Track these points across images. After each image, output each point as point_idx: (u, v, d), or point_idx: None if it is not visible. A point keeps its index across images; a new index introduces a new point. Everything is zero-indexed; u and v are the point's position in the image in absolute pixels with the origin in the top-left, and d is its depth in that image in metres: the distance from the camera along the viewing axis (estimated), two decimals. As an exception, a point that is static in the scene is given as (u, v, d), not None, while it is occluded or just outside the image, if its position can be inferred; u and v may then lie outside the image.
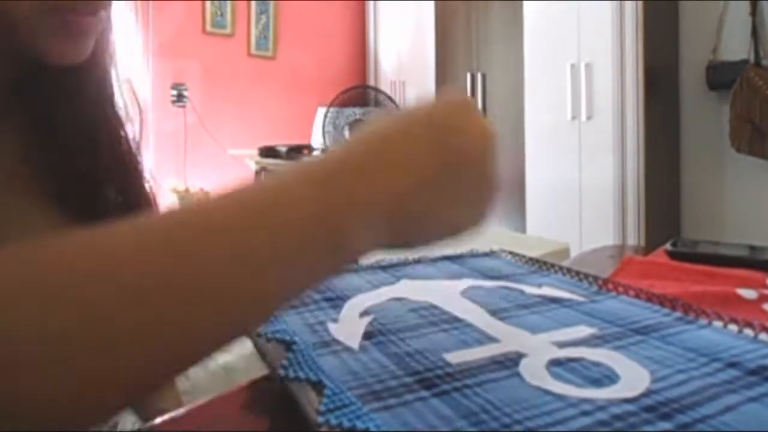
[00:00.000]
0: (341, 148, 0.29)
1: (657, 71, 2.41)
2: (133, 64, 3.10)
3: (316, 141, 3.42)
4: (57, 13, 0.34)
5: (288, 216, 0.24)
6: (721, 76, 2.32)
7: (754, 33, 2.25)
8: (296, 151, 2.36)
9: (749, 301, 0.45)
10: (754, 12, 2.25)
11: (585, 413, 0.22)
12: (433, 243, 0.30)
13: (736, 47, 2.31)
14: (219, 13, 3.44)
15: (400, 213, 0.27)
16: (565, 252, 1.99)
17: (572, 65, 2.54)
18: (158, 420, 0.33)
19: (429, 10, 3.43)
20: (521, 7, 2.77)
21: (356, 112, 3.49)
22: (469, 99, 0.33)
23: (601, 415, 0.22)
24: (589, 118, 2.51)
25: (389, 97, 3.62)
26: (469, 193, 0.30)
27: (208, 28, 3.42)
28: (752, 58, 2.24)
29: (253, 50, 3.60)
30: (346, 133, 3.40)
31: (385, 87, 3.79)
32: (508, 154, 3.05)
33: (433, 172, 0.28)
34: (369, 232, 0.26)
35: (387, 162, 0.28)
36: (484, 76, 3.18)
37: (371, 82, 3.93)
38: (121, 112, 0.47)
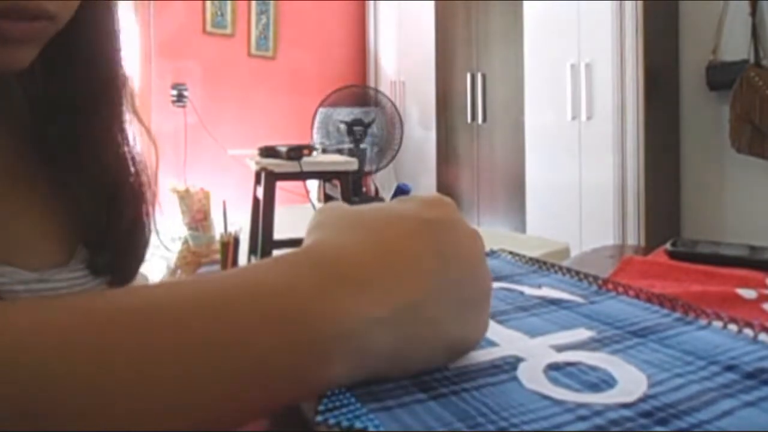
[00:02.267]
0: (327, 244, 0.26)
1: (657, 71, 2.41)
2: (133, 64, 3.10)
3: (316, 141, 3.42)
4: None
5: (256, 342, 0.21)
6: (721, 77, 2.32)
7: (754, 33, 2.25)
8: (296, 150, 2.36)
9: (749, 301, 0.45)
10: (754, 12, 2.25)
11: (582, 418, 0.22)
12: (435, 363, 0.26)
13: (736, 47, 2.31)
14: (219, 13, 3.44)
15: (405, 327, 0.24)
16: (565, 252, 2.00)
17: (572, 65, 2.54)
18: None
19: (429, 10, 3.43)
20: (521, 7, 2.77)
21: (355, 111, 3.50)
22: (450, 200, 0.30)
23: (598, 421, 0.22)
24: (589, 118, 2.51)
25: (386, 96, 3.62)
26: (471, 299, 0.27)
27: (208, 28, 3.43)
28: (752, 59, 2.25)
29: (253, 50, 3.61)
30: (345, 133, 3.40)
31: (385, 87, 3.79)
32: (508, 154, 3.05)
33: (438, 278, 0.26)
34: (366, 357, 0.24)
35: (390, 266, 0.25)
36: (484, 76, 3.18)
37: (371, 82, 3.93)
38: (128, 127, 0.45)
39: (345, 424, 0.21)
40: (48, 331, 0.19)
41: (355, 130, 3.35)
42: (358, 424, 0.21)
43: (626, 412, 0.22)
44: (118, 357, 0.19)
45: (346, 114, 3.49)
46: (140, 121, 0.46)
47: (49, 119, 0.41)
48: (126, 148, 0.44)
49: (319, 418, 0.22)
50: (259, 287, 0.23)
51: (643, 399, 0.24)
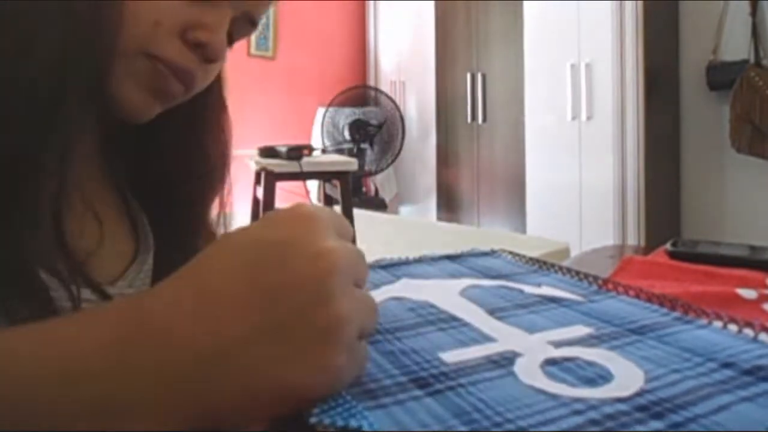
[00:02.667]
0: (144, 297, 0.24)
1: (657, 71, 2.41)
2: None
3: (316, 141, 3.42)
4: (150, 65, 0.35)
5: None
6: (721, 77, 2.32)
7: (754, 33, 2.25)
8: (296, 150, 2.35)
9: (749, 301, 0.45)
10: (754, 12, 2.25)
11: (577, 412, 0.22)
12: (274, 412, 0.22)
13: (737, 47, 2.31)
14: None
15: (214, 380, 0.21)
16: (565, 252, 2.00)
17: (572, 65, 2.55)
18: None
19: (429, 10, 3.43)
20: (521, 7, 2.77)
21: (355, 111, 3.50)
22: (306, 213, 0.25)
23: (593, 414, 0.22)
24: (589, 118, 2.51)
25: (389, 97, 3.62)
26: (303, 336, 0.22)
27: (209, 28, 3.43)
28: (752, 59, 2.25)
29: (253, 50, 3.61)
30: (346, 133, 3.40)
31: (385, 87, 3.80)
32: (508, 154, 3.05)
33: (254, 314, 0.22)
34: (171, 415, 0.21)
35: (195, 312, 0.22)
36: (484, 76, 3.18)
37: (371, 82, 3.93)
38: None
39: (340, 423, 0.21)
40: None
41: (368, 130, 3.34)
42: (353, 423, 0.21)
43: (622, 406, 0.22)
44: None
45: (348, 114, 3.49)
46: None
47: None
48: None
49: (313, 417, 0.22)
50: (61, 350, 0.22)
51: (639, 393, 0.24)
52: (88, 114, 0.35)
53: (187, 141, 0.45)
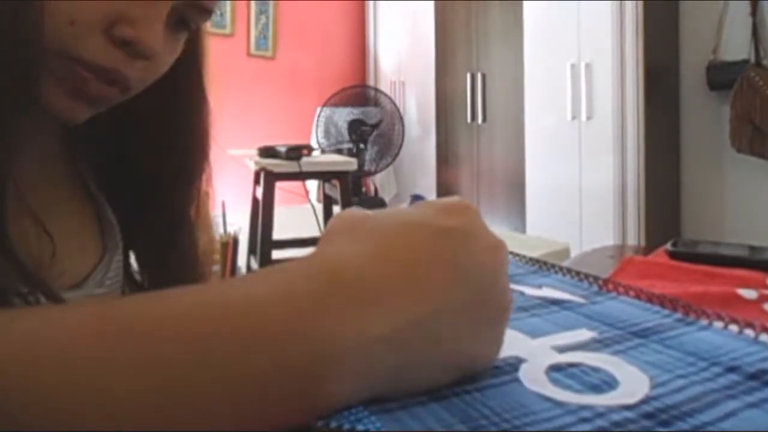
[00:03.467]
0: (330, 255, 0.24)
1: (657, 71, 2.41)
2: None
3: (314, 140, 3.42)
4: (70, 67, 0.32)
5: (250, 356, 0.20)
6: (721, 76, 2.32)
7: (755, 33, 2.25)
8: (295, 150, 2.35)
9: (749, 302, 0.45)
10: (754, 12, 2.25)
11: (584, 420, 0.22)
12: (443, 382, 0.24)
13: (737, 47, 2.31)
14: (219, 13, 3.44)
15: (409, 345, 0.23)
16: (565, 252, 2.00)
17: (572, 65, 2.54)
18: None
19: (429, 10, 3.43)
20: (521, 7, 2.77)
21: (354, 111, 3.50)
22: (473, 205, 0.28)
23: (601, 422, 0.22)
24: (589, 118, 2.51)
25: (387, 96, 3.62)
26: (486, 316, 0.25)
27: (208, 27, 3.42)
28: (752, 58, 2.25)
29: (253, 50, 3.60)
30: (343, 133, 3.40)
31: (385, 87, 3.79)
32: (508, 154, 3.05)
33: (450, 291, 0.24)
34: (365, 377, 0.22)
35: (394, 279, 0.23)
36: (484, 76, 3.18)
37: (371, 82, 3.93)
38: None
39: (347, 426, 0.21)
40: (42, 343, 0.19)
41: (364, 130, 3.34)
42: (359, 427, 0.21)
43: (629, 414, 0.22)
44: (109, 370, 0.19)
45: (347, 114, 3.49)
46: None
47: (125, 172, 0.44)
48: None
49: (320, 421, 0.22)
50: (251, 301, 0.22)
51: (646, 400, 0.23)
52: (23, 116, 0.32)
53: (161, 133, 0.43)
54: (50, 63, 0.32)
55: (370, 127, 3.34)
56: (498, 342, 0.27)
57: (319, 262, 0.24)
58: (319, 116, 3.46)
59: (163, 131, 0.43)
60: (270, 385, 0.21)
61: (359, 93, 3.67)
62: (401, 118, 3.55)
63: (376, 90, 3.73)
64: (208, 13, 0.39)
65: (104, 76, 0.33)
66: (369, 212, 0.28)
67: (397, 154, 3.55)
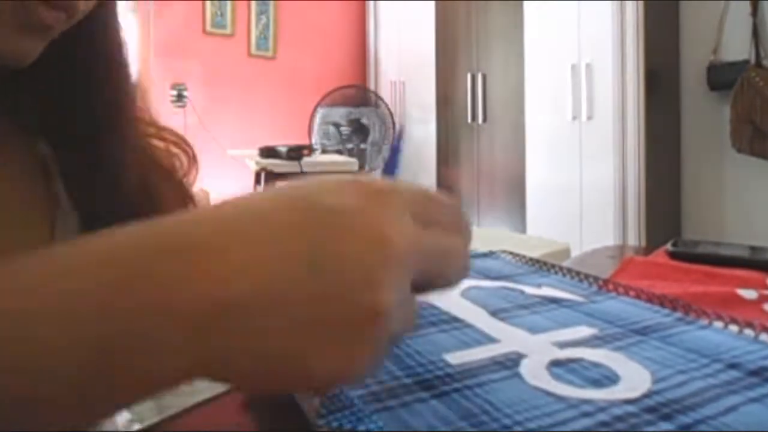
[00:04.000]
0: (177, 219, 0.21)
1: (657, 71, 2.41)
2: (133, 64, 3.10)
3: (316, 141, 3.43)
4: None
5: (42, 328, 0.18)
6: (721, 77, 2.32)
7: (755, 33, 2.25)
8: (296, 151, 2.35)
9: (749, 302, 0.45)
10: (754, 12, 2.25)
11: (586, 414, 0.22)
12: (262, 385, 0.20)
13: (737, 47, 2.31)
14: (219, 13, 3.44)
15: (220, 331, 0.19)
16: (565, 252, 1.99)
17: (573, 65, 2.54)
18: (156, 419, 0.33)
19: (429, 10, 3.43)
20: (521, 7, 2.77)
21: (353, 111, 3.50)
22: (388, 187, 0.22)
23: (603, 416, 0.22)
24: (589, 118, 2.51)
25: (379, 96, 3.63)
26: (344, 320, 0.20)
27: (208, 28, 3.43)
28: (753, 59, 2.24)
29: (253, 50, 3.60)
30: (341, 133, 3.41)
31: (385, 87, 3.79)
32: (509, 154, 3.05)
33: (295, 282, 0.19)
34: (169, 356, 0.19)
35: (218, 248, 0.19)
36: (484, 77, 3.18)
37: (371, 82, 3.93)
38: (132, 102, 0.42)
39: (347, 426, 0.21)
40: None
41: (341, 131, 3.36)
42: (360, 426, 0.21)
43: (630, 408, 0.22)
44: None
45: (342, 114, 3.50)
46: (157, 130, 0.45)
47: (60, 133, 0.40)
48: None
49: (320, 420, 0.22)
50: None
51: (647, 395, 0.23)
52: None
53: (76, 66, 0.39)
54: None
55: (349, 128, 3.36)
56: (351, 359, 0.20)
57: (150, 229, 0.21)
58: (316, 116, 3.47)
59: (78, 70, 0.39)
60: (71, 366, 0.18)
61: (356, 94, 3.68)
62: (393, 118, 3.57)
63: (371, 91, 3.75)
64: None
65: (56, 4, 0.31)
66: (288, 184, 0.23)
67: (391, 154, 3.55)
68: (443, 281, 0.24)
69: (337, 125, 3.43)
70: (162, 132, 0.46)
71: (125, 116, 0.42)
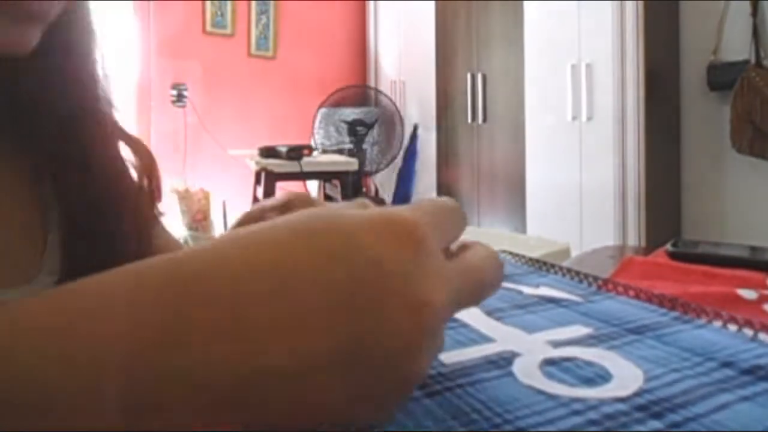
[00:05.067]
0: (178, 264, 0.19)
1: (657, 72, 2.41)
2: (133, 64, 3.10)
3: (314, 141, 3.42)
4: None
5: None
6: (721, 77, 2.32)
7: (755, 33, 2.25)
8: (296, 150, 2.36)
9: (749, 302, 0.45)
10: (755, 12, 2.25)
11: (576, 412, 0.22)
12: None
13: (737, 48, 2.31)
14: (219, 13, 3.45)
15: (259, 397, 0.18)
16: (565, 252, 1.99)
17: (573, 65, 2.54)
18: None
19: (429, 10, 3.43)
20: (521, 7, 2.77)
21: (355, 111, 3.50)
22: (417, 234, 0.20)
23: (592, 415, 0.22)
24: (589, 118, 2.51)
25: (386, 96, 3.62)
26: (373, 390, 0.19)
27: (208, 28, 3.43)
28: (753, 59, 2.25)
29: (253, 50, 3.61)
30: (338, 133, 3.41)
31: (385, 87, 3.80)
32: (509, 154, 3.05)
33: (325, 356, 0.18)
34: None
35: (255, 320, 0.18)
36: (484, 77, 3.18)
37: (371, 82, 3.93)
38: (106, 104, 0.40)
39: (339, 427, 0.21)
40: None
41: (358, 130, 3.35)
42: (351, 426, 0.21)
43: (621, 406, 0.22)
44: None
45: (347, 114, 3.49)
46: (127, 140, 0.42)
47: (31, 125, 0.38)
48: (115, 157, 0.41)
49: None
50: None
51: (639, 393, 0.23)
52: None
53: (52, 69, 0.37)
54: None
55: (366, 127, 3.35)
56: (384, 413, 0.21)
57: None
58: (317, 116, 3.47)
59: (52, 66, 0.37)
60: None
61: (358, 93, 3.68)
62: (401, 119, 3.55)
63: (377, 90, 3.74)
64: None
65: None
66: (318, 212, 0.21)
67: (397, 154, 3.55)
68: (482, 298, 0.24)
69: (337, 125, 3.43)
70: (125, 135, 0.44)
71: (100, 112, 0.40)
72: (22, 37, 0.31)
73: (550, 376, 0.25)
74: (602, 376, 0.25)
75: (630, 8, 2.34)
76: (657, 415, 0.22)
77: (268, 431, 0.18)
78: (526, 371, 0.26)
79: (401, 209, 0.21)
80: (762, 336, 0.30)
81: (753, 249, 0.58)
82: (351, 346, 0.18)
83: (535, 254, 0.52)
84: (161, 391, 0.17)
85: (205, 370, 0.17)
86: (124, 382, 0.17)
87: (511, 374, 0.26)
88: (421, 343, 0.19)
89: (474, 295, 0.23)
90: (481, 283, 0.23)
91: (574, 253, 1.97)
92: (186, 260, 0.19)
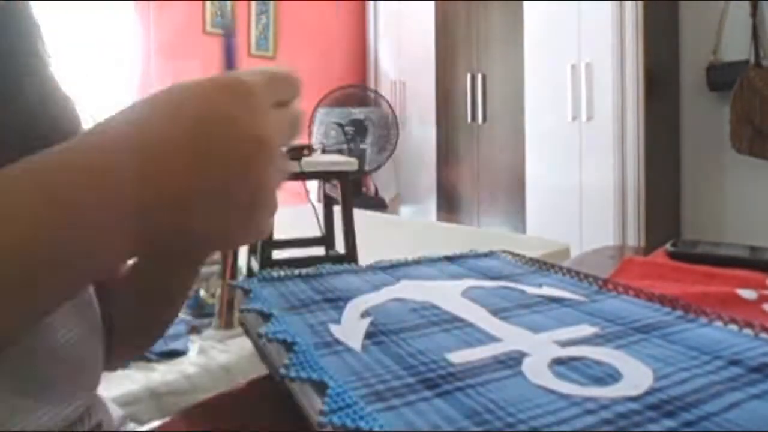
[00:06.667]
0: (92, 134, 0.26)
1: (657, 72, 2.41)
2: (134, 64, 3.10)
3: (316, 141, 3.42)
4: None
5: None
6: (721, 77, 2.33)
7: (755, 34, 2.25)
8: (296, 150, 2.35)
9: (749, 302, 0.45)
10: (754, 13, 2.25)
11: (589, 412, 0.22)
12: (196, 252, 0.28)
13: (737, 48, 2.31)
14: (219, 13, 3.44)
15: (156, 215, 0.25)
16: (565, 252, 1.99)
17: (572, 66, 2.55)
18: (157, 423, 0.33)
19: (429, 10, 3.43)
20: (521, 7, 2.77)
21: (353, 111, 3.50)
22: (254, 87, 0.28)
23: (606, 414, 0.22)
24: (589, 118, 2.51)
25: (381, 96, 3.63)
26: (233, 204, 0.27)
27: (208, 28, 3.42)
28: (752, 59, 2.25)
29: (253, 50, 3.61)
30: (340, 133, 3.41)
31: (385, 87, 3.79)
32: (509, 154, 3.05)
33: (193, 175, 0.26)
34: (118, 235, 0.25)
35: (142, 154, 0.25)
36: (484, 77, 3.18)
37: (371, 82, 3.93)
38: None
39: (350, 424, 0.21)
40: None
41: (346, 131, 3.36)
42: (363, 425, 0.21)
43: (633, 405, 0.22)
44: None
45: (343, 114, 3.49)
46: None
47: None
48: None
49: (323, 418, 0.22)
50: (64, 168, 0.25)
51: (650, 392, 0.24)
52: None
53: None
54: None
55: (364, 126, 3.35)
56: (248, 230, 0.28)
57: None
58: (314, 116, 3.47)
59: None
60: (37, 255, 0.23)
61: (357, 94, 3.68)
62: (396, 118, 3.56)
63: (371, 90, 3.74)
64: None
65: None
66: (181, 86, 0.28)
67: (391, 154, 3.55)
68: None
69: (337, 125, 3.43)
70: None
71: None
72: None
73: (560, 375, 0.26)
74: (612, 376, 0.25)
75: (630, 8, 2.35)
76: (670, 414, 0.22)
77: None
78: (536, 371, 0.26)
79: (242, 73, 0.29)
80: (763, 336, 0.31)
81: (752, 249, 0.58)
82: (205, 174, 0.26)
83: (534, 254, 0.52)
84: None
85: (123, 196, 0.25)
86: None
87: (520, 374, 0.26)
88: (258, 171, 0.27)
89: (293, 129, 0.31)
90: (297, 122, 0.31)
91: (573, 253, 1.97)
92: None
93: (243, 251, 2.62)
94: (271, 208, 0.29)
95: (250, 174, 0.27)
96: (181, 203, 0.26)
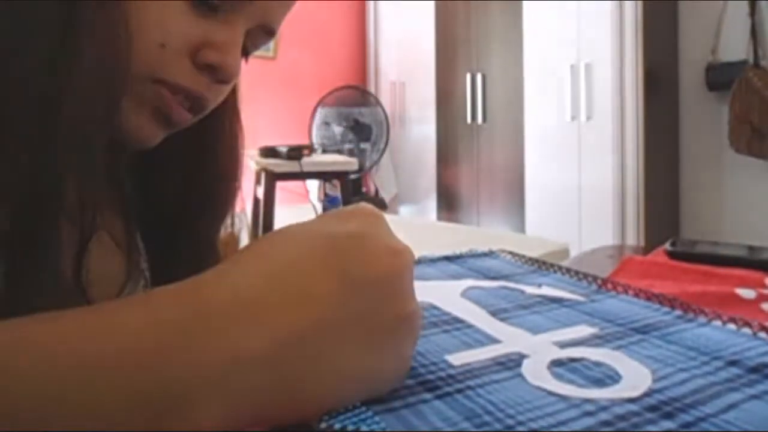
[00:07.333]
0: (207, 278, 0.23)
1: (656, 72, 2.42)
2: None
3: (316, 141, 3.42)
4: (155, 90, 0.32)
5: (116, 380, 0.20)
6: (720, 77, 2.33)
7: (753, 34, 2.25)
8: (296, 150, 2.35)
9: (748, 301, 0.45)
10: (753, 12, 2.25)
11: (588, 414, 0.22)
12: (349, 398, 0.23)
13: (736, 48, 2.31)
14: (218, 13, 3.44)
15: (289, 363, 0.21)
16: (564, 252, 2.00)
17: (572, 66, 2.55)
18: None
19: (429, 10, 3.43)
20: (521, 7, 2.78)
21: (353, 111, 3.50)
22: (375, 210, 0.27)
23: (604, 416, 0.22)
24: (588, 118, 2.52)
25: (374, 96, 3.63)
26: (382, 326, 0.23)
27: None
28: (751, 59, 2.25)
29: (252, 50, 3.60)
30: (339, 133, 3.41)
31: (385, 87, 3.80)
32: (508, 154, 3.05)
33: (336, 301, 0.22)
34: (240, 399, 0.21)
35: (272, 294, 0.22)
36: (484, 77, 3.18)
37: (371, 82, 3.93)
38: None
39: (351, 427, 0.21)
40: None
41: (346, 131, 3.37)
42: (363, 428, 0.21)
43: (632, 407, 0.23)
44: None
45: (342, 114, 3.50)
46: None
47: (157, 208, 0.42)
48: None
49: (323, 422, 0.22)
50: (113, 331, 0.21)
51: (649, 393, 0.24)
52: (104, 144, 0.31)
53: (198, 155, 0.42)
54: (135, 85, 0.32)
55: (362, 126, 3.36)
56: (402, 357, 0.24)
57: (189, 289, 0.23)
58: (314, 116, 3.47)
59: (204, 149, 0.43)
60: (116, 415, 0.20)
61: (355, 93, 3.68)
62: (387, 117, 3.59)
63: (367, 91, 3.75)
64: (272, 35, 0.40)
65: (189, 99, 0.34)
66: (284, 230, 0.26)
67: (382, 153, 3.58)
68: None
69: (337, 125, 3.43)
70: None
71: (229, 206, 0.46)
72: (153, 136, 0.35)
73: (559, 377, 0.26)
74: (611, 377, 0.25)
75: (629, 8, 2.35)
76: (668, 416, 0.22)
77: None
78: (535, 372, 0.26)
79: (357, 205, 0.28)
80: (762, 335, 0.31)
81: (751, 248, 0.58)
82: (347, 299, 0.22)
83: (534, 254, 0.52)
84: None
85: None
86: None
87: (520, 375, 0.26)
88: (406, 283, 0.24)
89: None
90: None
91: (573, 253, 1.97)
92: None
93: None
94: (416, 336, 0.25)
95: (399, 288, 0.24)
96: (325, 336, 0.22)
